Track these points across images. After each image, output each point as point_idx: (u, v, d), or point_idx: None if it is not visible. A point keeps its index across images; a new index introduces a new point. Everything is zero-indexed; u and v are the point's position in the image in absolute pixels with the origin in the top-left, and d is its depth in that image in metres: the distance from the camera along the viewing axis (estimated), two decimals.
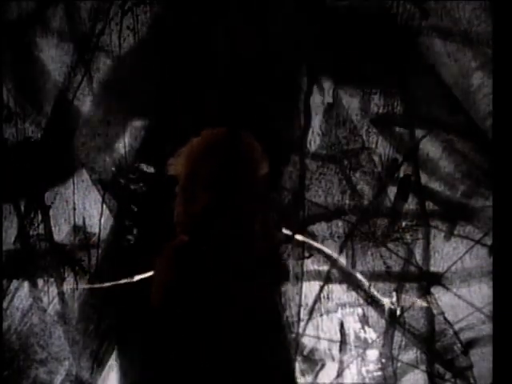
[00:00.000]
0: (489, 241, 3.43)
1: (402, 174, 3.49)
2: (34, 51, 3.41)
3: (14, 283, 3.47)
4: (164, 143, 3.35)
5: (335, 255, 3.47)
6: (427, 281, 3.51)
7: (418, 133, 3.47)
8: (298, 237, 3.44)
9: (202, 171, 2.35)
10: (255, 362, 2.34)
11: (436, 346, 3.53)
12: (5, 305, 3.45)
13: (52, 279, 3.47)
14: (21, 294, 3.47)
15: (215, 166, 2.33)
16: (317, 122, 3.49)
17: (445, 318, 3.51)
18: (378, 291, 3.53)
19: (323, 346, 3.55)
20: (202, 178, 2.35)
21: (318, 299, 3.53)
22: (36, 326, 3.48)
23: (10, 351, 3.46)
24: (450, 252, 3.50)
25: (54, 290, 3.47)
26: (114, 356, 3.48)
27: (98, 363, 3.49)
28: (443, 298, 3.51)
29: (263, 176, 2.43)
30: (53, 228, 3.46)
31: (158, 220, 3.40)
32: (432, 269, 3.51)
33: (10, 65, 3.40)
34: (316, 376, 3.54)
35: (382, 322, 3.54)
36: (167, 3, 3.41)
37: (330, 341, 3.55)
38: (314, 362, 3.55)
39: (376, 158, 3.49)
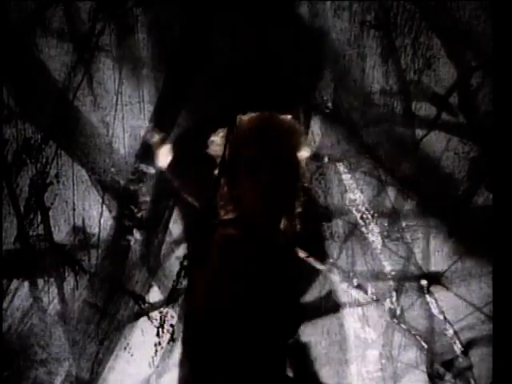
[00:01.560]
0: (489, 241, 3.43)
1: (402, 174, 3.49)
2: (34, 51, 3.41)
3: (14, 283, 3.46)
4: (164, 143, 3.36)
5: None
6: (427, 280, 3.51)
7: (418, 133, 3.47)
8: None
9: (245, 150, 2.33)
10: None
11: (436, 346, 3.53)
12: (5, 305, 3.44)
13: (52, 279, 3.47)
14: (21, 293, 3.47)
15: (259, 150, 2.31)
16: (317, 122, 3.49)
17: (445, 318, 3.52)
18: (377, 291, 3.53)
19: (323, 345, 3.55)
20: (245, 162, 2.33)
21: (318, 299, 3.53)
22: (36, 326, 3.48)
23: (10, 351, 3.46)
24: (450, 252, 3.50)
25: (54, 290, 3.47)
26: (113, 357, 3.48)
27: (98, 364, 3.49)
28: (443, 297, 3.51)
29: (304, 159, 2.42)
30: (52, 228, 3.46)
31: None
32: (432, 269, 3.51)
33: (10, 65, 3.40)
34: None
35: (382, 322, 3.54)
36: (167, 3, 3.41)
37: (331, 340, 3.55)
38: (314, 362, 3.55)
39: (376, 158, 3.49)
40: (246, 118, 2.43)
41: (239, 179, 2.35)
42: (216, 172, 2.42)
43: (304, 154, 2.43)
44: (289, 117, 2.45)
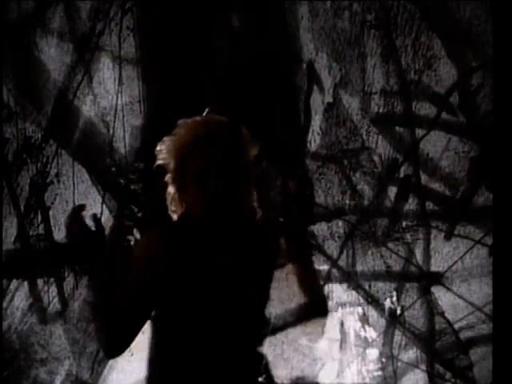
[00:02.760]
0: (489, 241, 3.43)
1: (402, 174, 3.49)
2: (34, 51, 3.41)
3: (14, 283, 3.47)
4: None
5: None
6: (427, 280, 3.51)
7: (418, 133, 3.47)
8: None
9: (192, 162, 2.35)
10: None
11: (436, 345, 3.53)
12: (5, 304, 3.45)
13: (52, 279, 3.47)
14: (21, 293, 3.47)
15: (205, 157, 2.32)
16: (317, 121, 3.50)
17: (445, 318, 3.52)
18: (378, 291, 3.53)
19: (323, 345, 3.56)
20: (192, 169, 2.35)
21: None
22: (36, 325, 3.48)
23: (10, 351, 3.46)
24: (450, 252, 3.50)
25: (53, 290, 3.47)
26: None
27: (99, 363, 3.49)
28: (443, 297, 3.51)
29: (252, 158, 2.42)
30: (52, 228, 3.46)
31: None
32: (432, 269, 3.51)
33: (10, 65, 3.40)
34: (316, 375, 3.55)
35: (382, 322, 3.54)
36: (167, 3, 3.41)
37: (331, 340, 3.55)
38: (314, 362, 3.56)
39: (376, 158, 3.49)
40: (188, 125, 2.42)
41: (187, 187, 2.37)
42: (167, 179, 2.43)
43: (251, 152, 2.42)
44: (226, 120, 2.43)
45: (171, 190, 2.41)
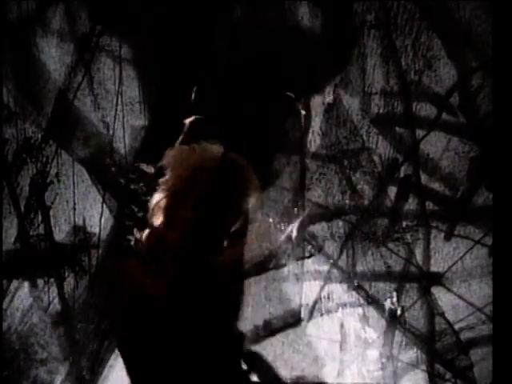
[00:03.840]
0: (489, 241, 3.43)
1: (402, 174, 3.49)
2: (34, 51, 3.41)
3: (14, 283, 3.47)
4: (164, 143, 3.36)
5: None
6: (427, 281, 3.51)
7: (418, 133, 3.47)
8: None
9: (200, 185, 2.36)
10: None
11: (436, 345, 3.53)
12: (5, 305, 3.45)
13: (52, 279, 3.47)
14: (21, 294, 3.47)
15: (214, 187, 2.34)
16: (317, 122, 3.50)
17: (445, 318, 3.52)
18: (378, 291, 3.53)
19: (323, 345, 3.56)
20: (196, 190, 2.36)
21: (318, 299, 3.54)
22: (36, 325, 3.49)
23: (10, 351, 3.47)
24: (450, 252, 3.50)
25: (54, 290, 3.48)
26: (114, 356, 3.49)
27: (99, 363, 3.50)
28: (443, 297, 3.52)
29: (246, 209, 2.45)
30: (53, 228, 3.46)
31: None
32: (432, 269, 3.51)
33: (10, 65, 3.40)
34: (316, 376, 3.55)
35: (383, 322, 3.54)
36: (167, 3, 3.41)
37: (331, 340, 3.55)
38: (314, 362, 3.56)
39: (376, 158, 3.49)
40: (210, 148, 2.44)
41: (182, 203, 2.38)
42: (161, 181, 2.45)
43: (251, 200, 2.45)
44: (249, 167, 2.46)
45: (160, 195, 2.42)
